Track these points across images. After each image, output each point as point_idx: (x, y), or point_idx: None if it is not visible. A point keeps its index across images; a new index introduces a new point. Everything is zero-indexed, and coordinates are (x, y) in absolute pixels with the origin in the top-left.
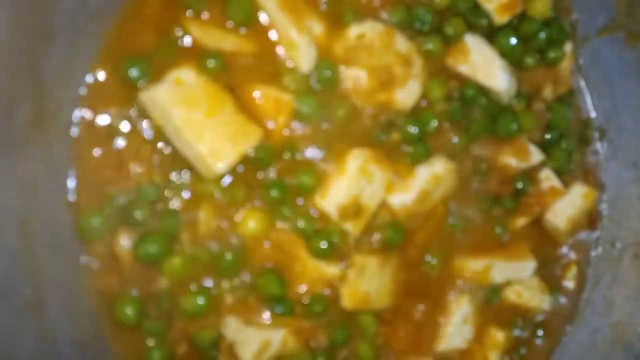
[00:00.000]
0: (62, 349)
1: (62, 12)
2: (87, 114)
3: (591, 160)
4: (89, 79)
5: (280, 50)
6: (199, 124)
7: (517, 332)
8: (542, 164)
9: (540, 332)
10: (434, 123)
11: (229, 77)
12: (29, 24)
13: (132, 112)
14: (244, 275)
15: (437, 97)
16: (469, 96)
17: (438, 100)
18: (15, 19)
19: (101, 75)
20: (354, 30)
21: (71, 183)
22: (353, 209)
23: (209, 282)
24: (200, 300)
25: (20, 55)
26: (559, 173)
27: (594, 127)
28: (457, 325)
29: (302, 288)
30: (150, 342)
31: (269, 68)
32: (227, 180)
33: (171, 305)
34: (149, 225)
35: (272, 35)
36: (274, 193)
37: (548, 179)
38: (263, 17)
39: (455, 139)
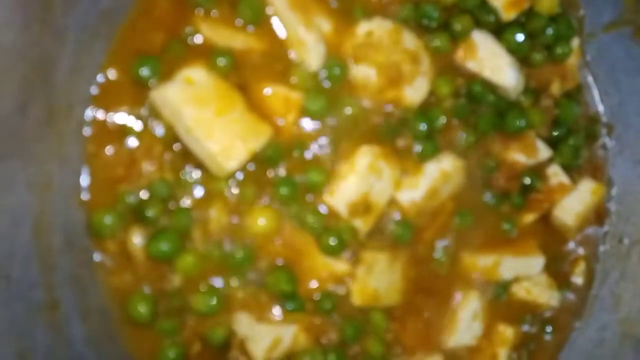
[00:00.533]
0: (76, 347)
1: (72, 12)
2: (98, 113)
3: (599, 155)
4: (100, 78)
5: (289, 48)
6: (210, 122)
7: (525, 328)
8: (550, 160)
9: (549, 329)
10: (442, 120)
11: (239, 76)
12: (40, 25)
13: (143, 111)
14: (254, 272)
15: (445, 93)
16: (476, 93)
17: (446, 97)
18: (26, 19)
19: (112, 75)
20: (362, 28)
21: (84, 181)
22: (362, 206)
23: (220, 280)
24: (212, 298)
25: (32, 56)
26: (567, 169)
27: (602, 122)
28: (466, 321)
29: (313, 285)
30: (165, 340)
31: (279, 66)
32: (237, 178)
33: (183, 303)
34: (161, 223)
35: (281, 33)
36: (284, 190)
37: (556, 175)
38: (272, 15)
39: (463, 136)
